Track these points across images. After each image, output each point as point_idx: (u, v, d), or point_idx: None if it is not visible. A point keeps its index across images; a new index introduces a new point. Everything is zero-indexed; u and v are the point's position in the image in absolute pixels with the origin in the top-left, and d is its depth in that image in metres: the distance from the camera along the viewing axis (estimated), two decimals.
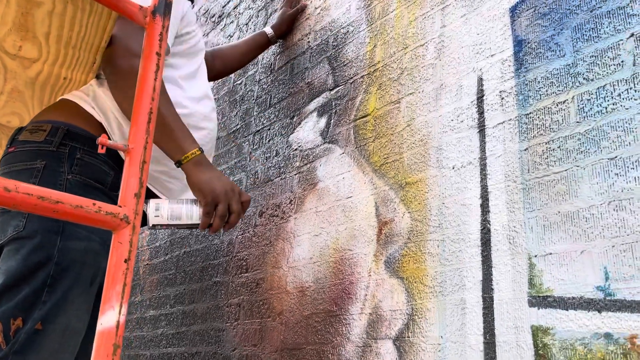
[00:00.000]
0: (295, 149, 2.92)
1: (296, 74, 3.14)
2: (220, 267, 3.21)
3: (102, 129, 2.13)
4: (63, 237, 1.92)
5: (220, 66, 3.17)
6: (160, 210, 2.08)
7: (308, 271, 2.54)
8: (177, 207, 2.10)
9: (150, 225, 2.08)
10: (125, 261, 1.64)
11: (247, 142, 3.40)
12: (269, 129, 3.22)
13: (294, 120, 3.01)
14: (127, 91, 2.00)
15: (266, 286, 2.78)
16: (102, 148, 1.68)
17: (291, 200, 2.82)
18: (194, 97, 2.40)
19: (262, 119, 3.33)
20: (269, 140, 3.18)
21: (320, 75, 2.93)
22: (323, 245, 2.51)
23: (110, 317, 1.59)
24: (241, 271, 3.02)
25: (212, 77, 3.08)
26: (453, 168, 2.06)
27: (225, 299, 3.07)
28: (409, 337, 1.98)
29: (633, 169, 1.54)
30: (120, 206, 1.68)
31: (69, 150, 2.06)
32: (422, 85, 2.31)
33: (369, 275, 2.23)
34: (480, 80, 2.07)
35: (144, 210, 2.00)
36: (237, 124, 3.57)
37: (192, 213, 2.11)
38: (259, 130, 3.32)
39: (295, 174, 2.85)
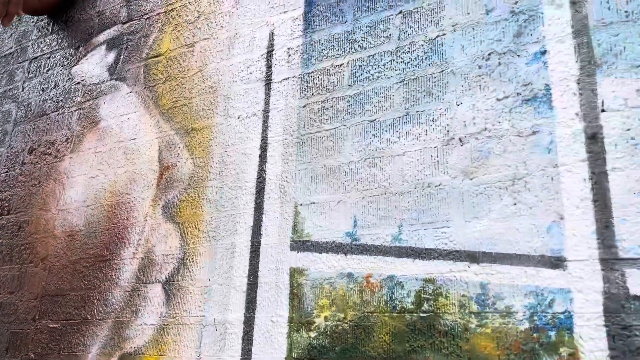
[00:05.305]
0: (78, 83, 2.66)
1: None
2: None
3: None
4: None
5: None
6: None
7: (80, 215, 2.36)
8: None
9: None
10: None
11: (21, 70, 2.98)
12: (49, 58, 2.87)
13: (80, 50, 2.73)
14: None
15: (30, 229, 2.51)
16: None
17: (68, 138, 2.57)
18: None
19: (41, 45, 2.94)
20: (47, 70, 2.84)
21: (113, 5, 2.69)
22: (99, 188, 2.35)
23: None
24: (2, 213, 2.67)
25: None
26: (238, 118, 2.09)
27: None
28: (178, 280, 1.99)
29: (387, 131, 1.74)
30: None
31: None
32: (217, 31, 2.27)
33: (145, 219, 2.17)
34: (271, 35, 2.12)
35: None
36: (11, 47, 3.10)
37: None
38: (36, 58, 2.93)
39: (75, 110, 2.61)
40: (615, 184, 1.37)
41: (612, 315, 1.30)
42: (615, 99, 1.43)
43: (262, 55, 2.11)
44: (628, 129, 1.39)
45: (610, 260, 1.33)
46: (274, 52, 2.09)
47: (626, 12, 1.47)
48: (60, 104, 2.68)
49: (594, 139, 1.43)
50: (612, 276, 1.32)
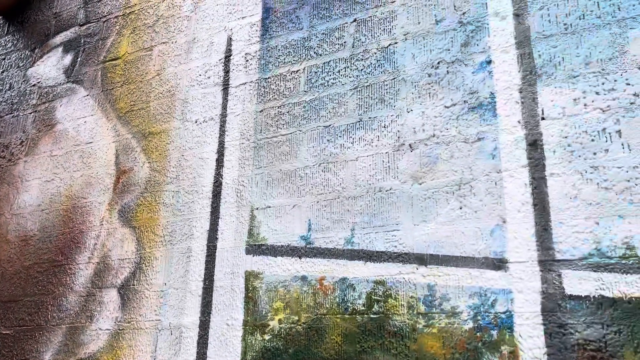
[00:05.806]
0: (34, 85, 2.61)
1: (42, 0, 2.79)
2: None
3: None
4: None
5: None
6: None
7: (34, 219, 2.33)
8: None
9: None
10: None
11: None
12: (4, 59, 2.81)
13: (36, 52, 2.69)
14: None
15: None
16: None
17: (22, 141, 2.53)
18: None
19: None
20: (2, 72, 2.78)
21: (70, 7, 2.66)
22: (55, 192, 2.32)
23: None
24: None
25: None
26: (196, 122, 2.10)
27: None
28: (134, 285, 1.98)
29: (341, 136, 1.78)
30: None
31: None
32: (175, 35, 2.27)
33: (101, 224, 2.15)
34: (229, 40, 2.13)
35: None
36: None
37: None
38: None
39: (31, 113, 2.56)
40: (553, 189, 1.44)
41: (549, 314, 1.36)
42: (554, 107, 1.50)
43: (220, 60, 2.13)
44: (565, 137, 1.47)
45: (548, 261, 1.40)
46: (231, 57, 2.11)
47: (565, 24, 1.55)
48: (15, 106, 2.63)
49: (534, 145, 1.50)
50: (549, 277, 1.39)
